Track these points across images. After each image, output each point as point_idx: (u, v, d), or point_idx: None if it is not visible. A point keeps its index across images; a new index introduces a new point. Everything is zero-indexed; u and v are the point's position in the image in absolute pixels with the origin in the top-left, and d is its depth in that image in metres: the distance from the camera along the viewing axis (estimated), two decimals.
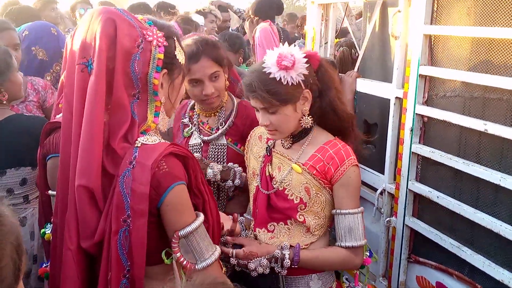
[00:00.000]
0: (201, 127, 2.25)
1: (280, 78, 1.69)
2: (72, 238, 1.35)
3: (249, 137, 2.07)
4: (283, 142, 1.87)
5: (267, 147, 1.90)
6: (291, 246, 1.79)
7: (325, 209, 1.80)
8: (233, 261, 1.76)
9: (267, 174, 1.87)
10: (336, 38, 3.17)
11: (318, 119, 1.82)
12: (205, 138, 2.22)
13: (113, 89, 1.35)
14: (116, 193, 1.33)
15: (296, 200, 1.79)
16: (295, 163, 1.80)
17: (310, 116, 1.79)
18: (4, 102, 2.39)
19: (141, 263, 1.34)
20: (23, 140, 2.33)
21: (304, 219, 1.80)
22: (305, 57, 1.73)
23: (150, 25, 1.43)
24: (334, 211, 1.79)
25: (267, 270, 1.75)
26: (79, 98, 1.35)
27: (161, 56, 1.41)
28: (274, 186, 1.83)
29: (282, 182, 1.82)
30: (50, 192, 1.73)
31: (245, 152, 2.08)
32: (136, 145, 1.37)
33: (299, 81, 1.71)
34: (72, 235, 1.36)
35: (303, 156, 1.81)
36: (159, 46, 1.41)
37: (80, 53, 1.36)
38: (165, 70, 1.44)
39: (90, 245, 1.36)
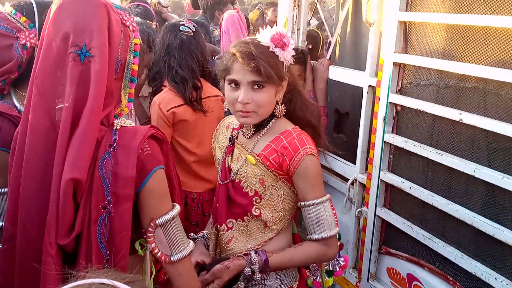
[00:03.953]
0: None
1: (278, 55, 1.62)
2: (52, 244, 1.24)
3: (218, 126, 1.96)
4: (244, 131, 1.76)
5: (230, 137, 1.81)
6: (256, 251, 1.69)
7: (284, 201, 1.71)
8: None
9: (227, 165, 1.78)
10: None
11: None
12: None
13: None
14: (95, 178, 1.25)
15: (251, 192, 1.70)
16: (250, 153, 1.71)
17: (284, 105, 1.71)
18: None
19: (125, 251, 1.27)
20: None
21: (260, 212, 1.70)
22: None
23: (117, 8, 1.34)
24: (299, 204, 1.71)
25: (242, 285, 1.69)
26: (73, 89, 1.24)
27: (138, 41, 1.36)
28: (232, 177, 1.75)
29: (237, 173, 1.73)
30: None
31: (211, 142, 1.97)
32: (115, 127, 1.32)
33: (286, 67, 1.65)
34: (52, 241, 1.24)
35: (258, 146, 1.71)
36: (134, 31, 1.35)
37: (73, 41, 1.24)
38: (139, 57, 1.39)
39: (69, 242, 1.25)
